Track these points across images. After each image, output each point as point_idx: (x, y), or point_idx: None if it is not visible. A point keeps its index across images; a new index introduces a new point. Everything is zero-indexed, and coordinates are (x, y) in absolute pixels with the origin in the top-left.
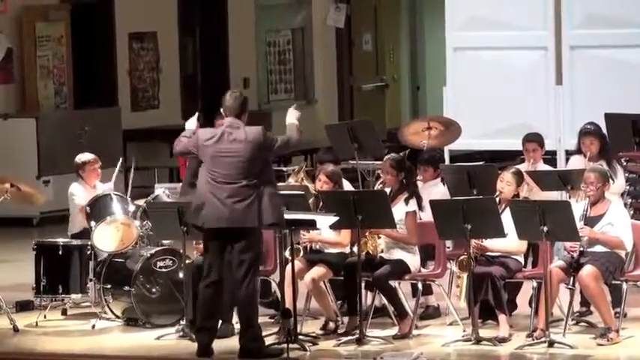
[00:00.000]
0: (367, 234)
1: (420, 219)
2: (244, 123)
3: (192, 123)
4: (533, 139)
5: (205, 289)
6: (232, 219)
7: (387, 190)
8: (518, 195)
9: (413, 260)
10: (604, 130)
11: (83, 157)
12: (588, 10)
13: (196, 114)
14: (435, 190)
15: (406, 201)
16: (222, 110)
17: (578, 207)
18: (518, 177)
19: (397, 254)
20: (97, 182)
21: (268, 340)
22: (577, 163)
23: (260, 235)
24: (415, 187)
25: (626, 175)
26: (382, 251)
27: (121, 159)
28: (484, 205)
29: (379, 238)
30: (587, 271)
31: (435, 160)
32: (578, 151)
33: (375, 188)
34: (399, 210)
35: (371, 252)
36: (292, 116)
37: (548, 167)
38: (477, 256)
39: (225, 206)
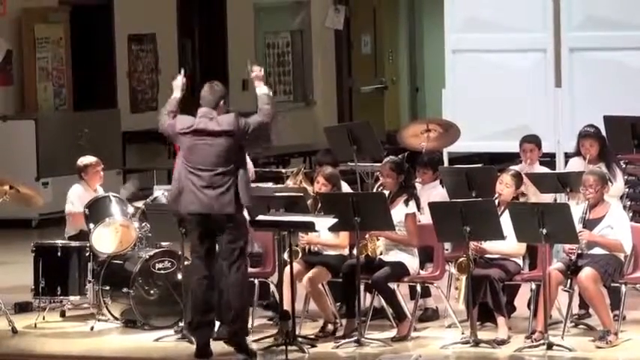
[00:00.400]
0: (367, 236)
1: (419, 221)
2: (220, 113)
3: (178, 88)
4: (531, 140)
5: (197, 281)
6: (211, 206)
7: (386, 192)
8: (518, 197)
9: (412, 262)
10: (603, 133)
11: (86, 160)
12: (587, 12)
13: (182, 70)
14: (433, 192)
15: (406, 202)
16: (200, 101)
17: (578, 209)
18: (518, 179)
19: (396, 256)
20: (98, 186)
21: (266, 342)
22: (576, 165)
23: (245, 221)
24: (414, 189)
25: (625, 177)
26: (381, 253)
27: (130, 183)
28: (483, 207)
29: (378, 240)
30: (586, 273)
31: (434, 162)
32: (578, 153)
33: (374, 190)
34: (399, 212)
35: (370, 254)
36: (260, 84)
37: (544, 169)
38: (476, 259)
39: (203, 194)
